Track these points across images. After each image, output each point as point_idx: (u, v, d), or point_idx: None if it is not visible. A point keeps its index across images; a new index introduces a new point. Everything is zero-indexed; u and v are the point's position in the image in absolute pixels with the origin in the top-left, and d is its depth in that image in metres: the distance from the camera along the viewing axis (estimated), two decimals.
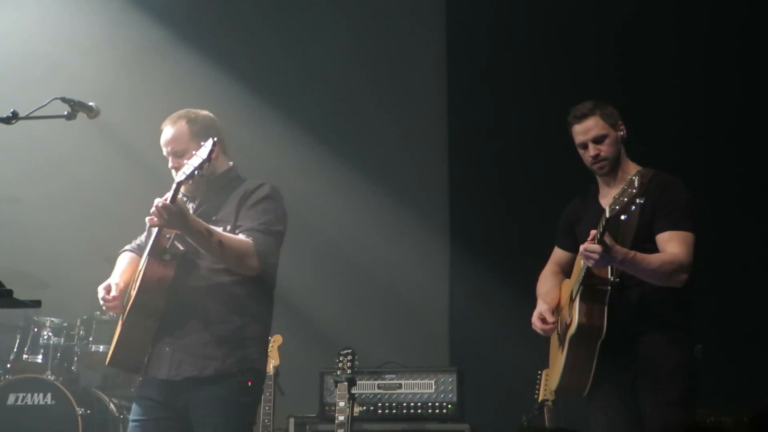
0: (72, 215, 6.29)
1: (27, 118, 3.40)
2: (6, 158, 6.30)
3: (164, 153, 3.80)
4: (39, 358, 5.93)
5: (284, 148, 6.83)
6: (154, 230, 3.77)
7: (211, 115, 3.87)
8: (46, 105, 3.44)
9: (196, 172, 3.45)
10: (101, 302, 3.74)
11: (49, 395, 5.69)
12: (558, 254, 4.11)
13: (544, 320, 3.89)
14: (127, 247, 4.02)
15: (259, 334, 3.80)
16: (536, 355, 5.11)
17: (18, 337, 6.03)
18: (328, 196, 6.86)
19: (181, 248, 3.68)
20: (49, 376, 5.79)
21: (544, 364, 4.90)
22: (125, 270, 3.88)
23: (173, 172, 3.73)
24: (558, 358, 3.84)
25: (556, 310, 3.94)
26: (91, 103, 3.59)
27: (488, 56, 6.76)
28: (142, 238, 3.99)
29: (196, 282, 3.66)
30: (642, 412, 3.63)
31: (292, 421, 5.77)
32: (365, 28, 7.02)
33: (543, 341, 4.80)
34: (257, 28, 6.98)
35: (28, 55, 6.65)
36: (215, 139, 3.49)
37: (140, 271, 3.68)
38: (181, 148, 3.72)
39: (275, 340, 5.25)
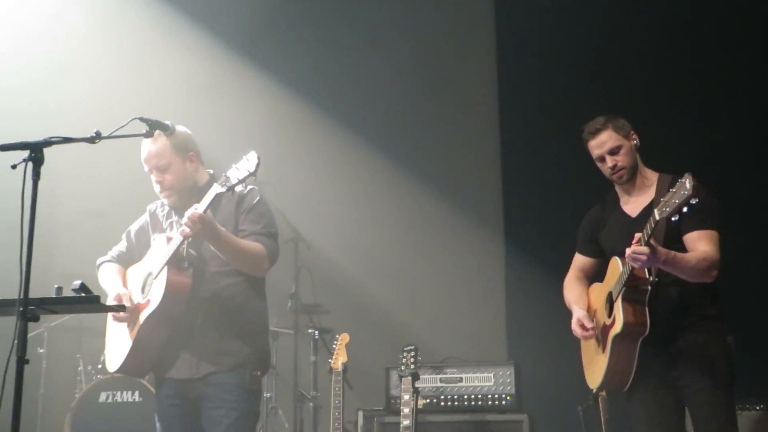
0: None
1: (109, 137, 3.41)
2: (92, 175, 6.43)
3: (146, 169, 3.79)
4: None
5: (349, 158, 6.86)
6: (153, 240, 3.84)
7: (186, 129, 3.84)
8: (126, 125, 3.47)
9: (241, 186, 3.50)
10: (112, 316, 3.76)
11: (137, 393, 5.78)
12: (581, 261, 4.12)
13: (583, 327, 3.86)
14: (105, 258, 4.00)
15: (263, 328, 3.88)
16: None
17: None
18: (390, 202, 6.88)
19: (194, 254, 3.69)
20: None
21: None
22: (118, 280, 3.87)
23: (157, 186, 3.76)
24: (597, 359, 3.81)
25: (591, 313, 3.91)
26: (167, 122, 3.61)
27: (538, 61, 6.72)
28: (122, 248, 4.00)
29: (205, 285, 3.68)
30: (685, 400, 3.62)
31: (360, 414, 5.80)
32: (420, 43, 7.04)
33: None
34: (321, 48, 7.03)
35: (111, 80, 6.78)
36: (258, 155, 3.43)
37: (152, 277, 3.68)
38: (164, 162, 3.73)
39: (343, 339, 5.26)
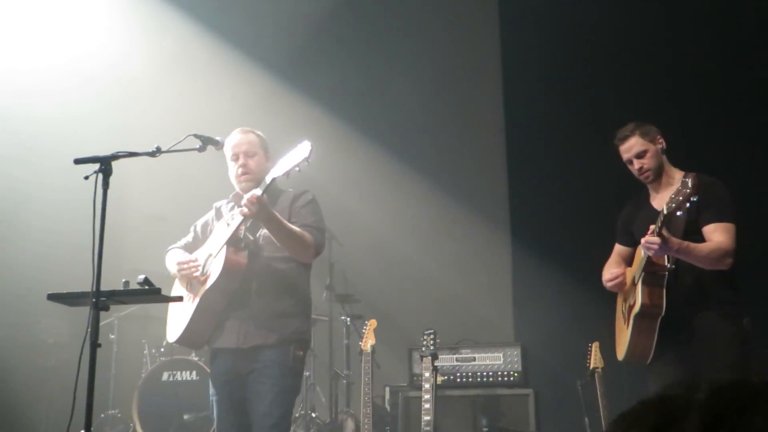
0: None
1: (168, 151, 3.43)
2: (153, 184, 6.48)
3: (231, 154, 3.78)
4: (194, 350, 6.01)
5: (373, 166, 6.88)
6: (214, 228, 3.82)
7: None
8: (182, 140, 3.49)
9: (297, 169, 3.43)
10: (177, 273, 3.74)
11: (194, 372, 5.80)
12: (618, 249, 4.09)
13: (614, 276, 3.86)
14: (174, 246, 4.00)
15: (307, 311, 3.83)
16: (587, 330, 5.09)
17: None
18: (409, 204, 6.89)
19: (251, 238, 3.68)
20: (193, 357, 5.90)
21: (595, 337, 4.88)
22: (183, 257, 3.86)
23: (239, 170, 3.75)
24: (624, 334, 3.81)
25: (623, 293, 3.90)
26: (217, 138, 3.62)
27: (542, 66, 6.62)
28: (188, 238, 3.99)
29: (259, 267, 3.66)
30: (701, 377, 3.58)
31: (387, 389, 5.81)
32: (434, 62, 7.02)
33: (593, 319, 4.75)
34: (349, 69, 7.03)
35: (170, 101, 6.84)
36: (311, 143, 3.43)
37: (212, 258, 3.66)
38: (253, 150, 3.76)
39: (371, 324, 5.27)
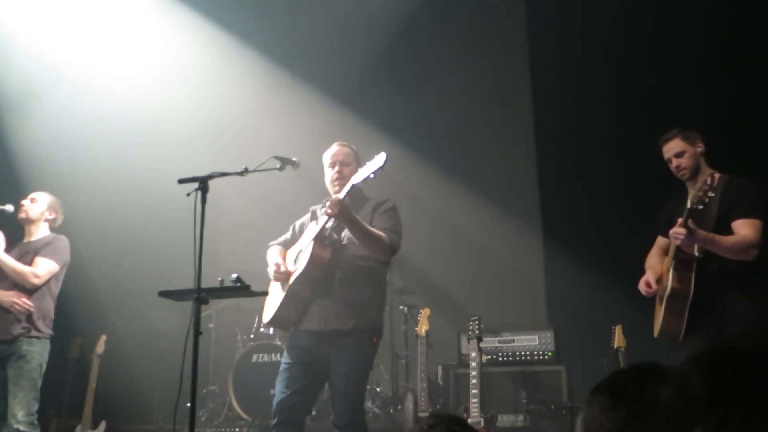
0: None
1: (254, 171, 3.46)
2: (242, 198, 6.51)
3: (329, 162, 3.73)
4: (270, 330, 6.05)
5: (422, 177, 6.84)
6: (308, 226, 3.78)
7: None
8: (265, 162, 3.51)
9: (373, 176, 3.37)
10: (272, 275, 3.69)
11: (279, 354, 5.80)
12: (660, 240, 3.96)
13: (648, 285, 3.74)
14: (274, 242, 3.97)
15: (382, 303, 3.75)
16: (611, 314, 4.95)
17: (256, 316, 6.20)
18: (455, 207, 6.82)
19: (335, 237, 3.65)
20: (278, 341, 5.94)
21: (618, 320, 4.75)
22: (278, 256, 3.84)
23: (332, 175, 3.69)
24: (658, 314, 3.70)
25: (660, 278, 3.78)
26: (294, 158, 3.63)
27: (571, 65, 6.34)
28: (287, 236, 3.96)
29: (342, 263, 3.60)
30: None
31: (440, 367, 5.76)
32: (468, 79, 6.90)
33: (616, 304, 4.61)
34: (403, 95, 6.97)
35: (256, 128, 6.89)
36: (386, 154, 3.36)
37: (302, 252, 3.64)
38: (348, 160, 3.72)
39: (425, 312, 5.24)
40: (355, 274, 3.61)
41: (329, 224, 3.60)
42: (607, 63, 6.13)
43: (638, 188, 4.62)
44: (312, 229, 3.69)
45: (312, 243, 3.57)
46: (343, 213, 3.41)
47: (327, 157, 3.78)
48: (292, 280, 3.61)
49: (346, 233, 3.63)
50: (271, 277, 3.72)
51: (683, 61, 5.84)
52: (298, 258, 3.70)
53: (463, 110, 6.92)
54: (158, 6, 6.70)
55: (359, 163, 3.70)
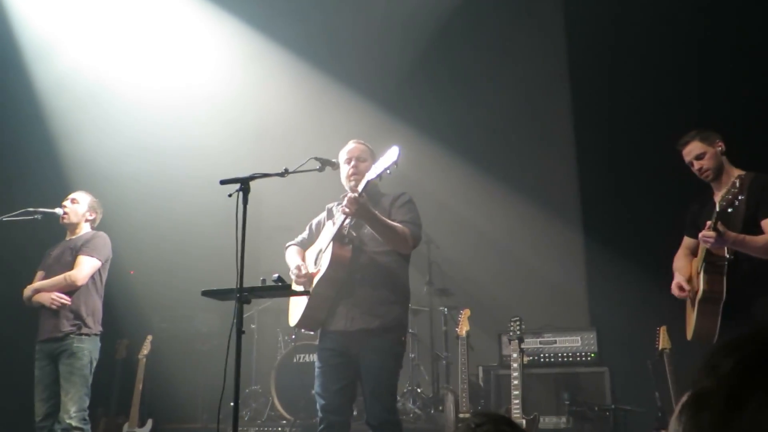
0: None
1: (294, 172, 3.45)
2: (282, 197, 6.54)
3: (346, 158, 3.73)
4: (311, 332, 6.08)
5: (462, 180, 6.81)
6: (326, 225, 3.76)
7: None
8: (305, 163, 3.51)
9: (388, 171, 3.27)
10: (294, 278, 3.65)
11: None
12: (687, 241, 3.89)
13: (681, 288, 3.67)
14: (291, 242, 3.95)
15: (406, 300, 3.68)
16: (655, 315, 4.84)
17: None
18: (495, 210, 6.78)
19: (355, 235, 3.61)
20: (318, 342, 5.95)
21: (663, 321, 4.64)
22: (298, 258, 3.83)
23: (348, 170, 3.68)
24: (691, 316, 3.64)
25: (689, 280, 3.71)
26: (333, 160, 3.62)
27: (609, 67, 6.25)
28: (304, 235, 3.94)
29: (364, 261, 3.57)
30: None
31: (480, 368, 5.71)
32: (508, 85, 6.87)
33: (660, 305, 4.51)
34: (442, 99, 6.98)
35: (298, 130, 6.94)
36: (399, 148, 3.24)
37: (322, 252, 3.62)
38: (364, 156, 3.72)
39: (465, 313, 5.19)
40: (378, 271, 3.58)
41: (347, 222, 3.58)
42: (647, 64, 6.05)
43: (679, 188, 4.50)
44: (330, 229, 3.68)
45: (332, 243, 3.56)
46: (361, 210, 3.39)
47: (343, 154, 3.78)
48: (315, 281, 3.61)
49: (365, 230, 3.60)
50: (293, 280, 3.70)
51: (719, 61, 5.72)
52: (318, 259, 3.69)
53: (501, 111, 6.87)
54: (201, 16, 6.82)
55: (375, 160, 3.66)
